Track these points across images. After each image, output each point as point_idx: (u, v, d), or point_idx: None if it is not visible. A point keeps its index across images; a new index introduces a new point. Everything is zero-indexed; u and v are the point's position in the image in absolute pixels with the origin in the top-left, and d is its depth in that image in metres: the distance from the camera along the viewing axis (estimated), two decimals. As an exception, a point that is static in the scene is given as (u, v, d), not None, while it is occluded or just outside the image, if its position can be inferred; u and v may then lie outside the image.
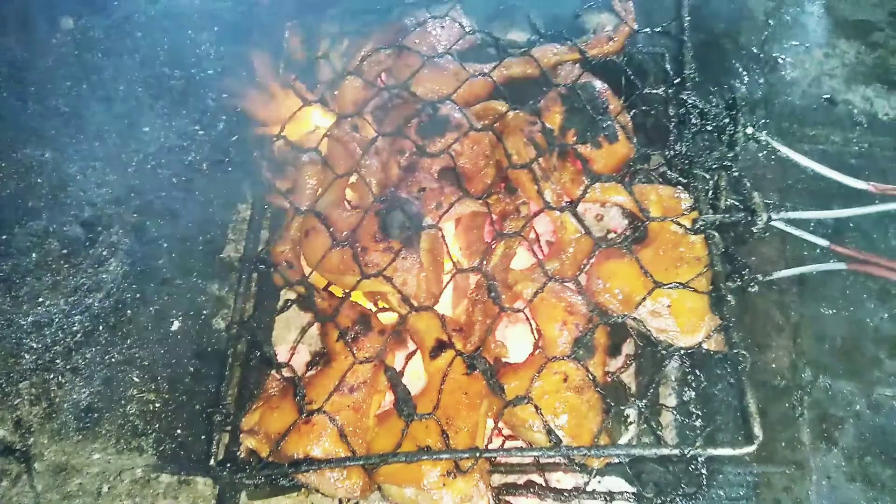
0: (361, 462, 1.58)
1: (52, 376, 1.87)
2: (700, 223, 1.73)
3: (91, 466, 1.81)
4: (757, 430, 1.54)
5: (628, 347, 1.94)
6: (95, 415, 1.84)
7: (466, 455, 1.52)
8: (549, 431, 1.55)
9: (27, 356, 1.89)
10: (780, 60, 2.58)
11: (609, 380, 1.85)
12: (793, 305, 2.18)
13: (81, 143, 2.19)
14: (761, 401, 2.03)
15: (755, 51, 2.59)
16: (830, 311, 2.20)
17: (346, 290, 1.77)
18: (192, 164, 2.17)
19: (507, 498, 1.69)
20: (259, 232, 2.00)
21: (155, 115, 2.24)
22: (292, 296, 1.91)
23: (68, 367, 1.88)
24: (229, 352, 1.80)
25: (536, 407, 1.56)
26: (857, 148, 2.45)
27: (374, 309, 1.87)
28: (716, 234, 1.75)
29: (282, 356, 1.83)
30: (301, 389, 1.65)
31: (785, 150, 1.79)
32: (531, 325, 1.74)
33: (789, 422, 2.05)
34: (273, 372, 1.76)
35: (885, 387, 2.12)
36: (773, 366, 2.11)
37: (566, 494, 1.66)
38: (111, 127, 2.22)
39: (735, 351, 1.62)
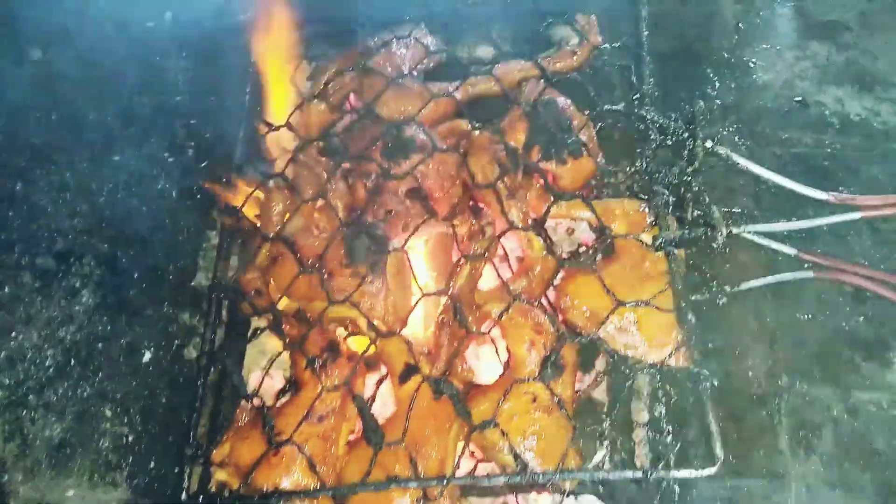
0: (330, 493, 1.59)
1: (24, 412, 1.87)
2: (660, 240, 1.74)
3: (66, 502, 1.81)
4: (718, 451, 1.54)
5: (600, 364, 1.94)
6: (68, 450, 1.84)
7: (434, 483, 1.52)
8: (516, 456, 1.56)
9: (0, 393, 1.89)
10: (752, 64, 2.58)
11: (580, 397, 1.85)
12: (768, 312, 2.18)
13: (52, 173, 2.19)
14: (739, 409, 2.05)
15: (726, 55, 2.59)
16: (806, 317, 2.20)
17: (315, 316, 1.78)
18: (162, 191, 2.17)
19: (480, 523, 1.69)
20: (229, 259, 2.01)
21: (125, 143, 2.24)
22: (262, 323, 1.91)
23: (41, 402, 1.88)
24: (200, 382, 1.81)
25: (503, 431, 1.56)
26: (829, 149, 2.45)
27: (345, 333, 1.87)
28: (675, 251, 1.75)
29: (255, 384, 1.84)
30: (269, 420, 1.66)
31: (744, 163, 1.79)
32: (496, 347, 1.74)
33: (767, 430, 2.04)
34: (243, 402, 1.76)
35: (861, 391, 2.12)
36: (750, 374, 2.10)
37: (538, 516, 1.67)
38: (81, 156, 2.22)
39: (696, 370, 1.62)
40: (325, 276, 1.77)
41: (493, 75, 2.03)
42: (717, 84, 2.50)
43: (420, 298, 1.76)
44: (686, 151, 1.80)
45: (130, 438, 1.87)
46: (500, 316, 1.71)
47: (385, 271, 1.77)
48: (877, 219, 1.92)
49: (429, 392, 1.66)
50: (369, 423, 1.66)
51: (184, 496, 1.66)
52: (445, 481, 1.53)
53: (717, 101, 2.48)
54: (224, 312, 1.93)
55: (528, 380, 1.64)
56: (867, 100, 2.56)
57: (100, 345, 1.95)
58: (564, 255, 1.83)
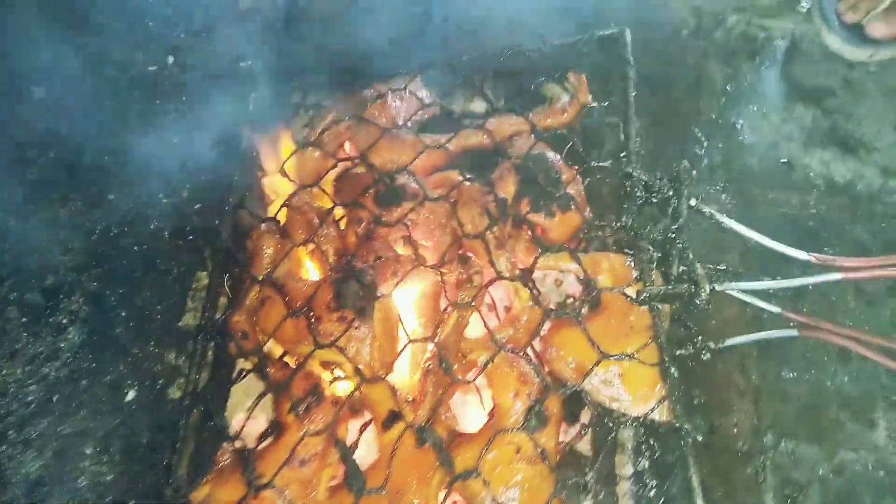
0: None
1: (3, 448, 1.85)
2: (644, 294, 1.75)
3: (40, 543, 1.78)
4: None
5: (585, 416, 1.94)
6: (45, 488, 1.81)
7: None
8: (498, 506, 1.54)
9: (-21, 428, 1.88)
10: (739, 125, 2.65)
11: (564, 449, 1.85)
12: (753, 369, 2.19)
13: (46, 210, 2.21)
14: (724, 466, 2.04)
15: (714, 116, 2.65)
16: (791, 375, 2.21)
17: (300, 360, 1.78)
18: (154, 232, 2.19)
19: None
20: (217, 300, 2.02)
21: (120, 184, 2.27)
22: (248, 365, 1.91)
23: (20, 438, 1.86)
24: (182, 422, 1.80)
25: (485, 481, 1.56)
26: (814, 210, 2.50)
27: (330, 378, 1.87)
28: (660, 306, 1.77)
29: (238, 426, 1.83)
30: (251, 463, 1.64)
31: (727, 222, 1.82)
32: (481, 396, 1.74)
33: (753, 487, 2.04)
34: (225, 444, 1.75)
35: (848, 450, 2.12)
36: (735, 430, 2.10)
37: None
38: (77, 195, 2.24)
39: (678, 424, 1.62)
40: (313, 319, 1.78)
41: (486, 129, 2.08)
42: (705, 143, 2.56)
43: (406, 344, 1.76)
44: (671, 209, 1.83)
45: (109, 478, 1.85)
46: (486, 364, 1.71)
47: (372, 317, 1.78)
48: (858, 280, 1.94)
49: (412, 439, 1.65)
50: (351, 469, 1.65)
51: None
52: (428, 531, 1.51)
53: (705, 160, 2.54)
54: (210, 354, 1.93)
55: (513, 430, 1.63)
56: (851, 163, 2.61)
57: (84, 382, 1.94)
58: (552, 307, 1.84)
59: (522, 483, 1.61)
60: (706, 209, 1.83)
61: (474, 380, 1.72)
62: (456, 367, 1.75)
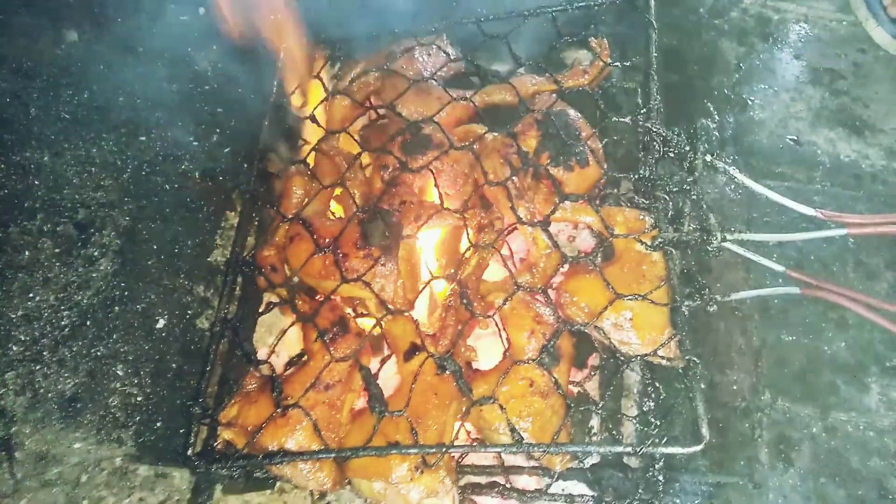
0: (333, 455, 1.65)
1: (38, 367, 1.92)
2: (659, 240, 1.84)
3: (71, 456, 1.86)
4: (704, 431, 1.62)
5: (594, 360, 2.03)
6: (78, 405, 1.89)
7: (434, 450, 1.59)
8: (513, 430, 1.63)
9: (15, 347, 1.95)
10: (750, 102, 2.73)
11: (574, 390, 1.94)
12: (755, 331, 2.29)
13: (79, 148, 2.27)
14: (722, 420, 2.14)
15: (726, 92, 2.74)
16: (790, 338, 2.30)
17: (327, 294, 1.86)
18: (185, 172, 2.26)
19: (473, 497, 1.76)
20: (246, 238, 2.09)
21: (152, 126, 2.33)
22: (275, 299, 1.99)
23: (55, 358, 1.93)
24: (211, 349, 1.88)
25: (501, 407, 1.64)
26: (819, 186, 2.59)
27: (352, 314, 1.95)
28: (674, 251, 1.85)
29: (262, 356, 1.91)
30: (278, 385, 1.73)
31: (740, 177, 1.91)
32: (500, 333, 1.83)
33: (748, 441, 2.14)
34: (252, 369, 1.83)
35: (840, 411, 2.22)
36: (735, 387, 2.20)
37: (528, 495, 1.73)
38: (109, 135, 2.30)
39: (687, 357, 1.71)
40: (341, 256, 1.86)
41: (510, 83, 2.15)
42: (717, 117, 2.62)
43: (430, 281, 1.85)
44: (686, 163, 1.91)
45: (139, 399, 1.93)
46: (504, 302, 1.80)
47: (397, 256, 1.86)
48: (862, 236, 2.01)
49: (432, 369, 1.74)
50: (374, 392, 1.74)
51: (189, 452, 1.72)
52: (444, 449, 1.59)
53: (716, 134, 2.61)
54: (238, 288, 2.01)
55: (527, 362, 1.72)
56: (857, 143, 2.70)
57: (116, 308, 2.02)
58: (571, 257, 1.92)
59: (535, 414, 1.70)
60: (720, 164, 1.90)
61: (493, 314, 1.80)
62: (475, 305, 1.83)
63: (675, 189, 1.86)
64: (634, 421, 1.94)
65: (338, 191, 2.08)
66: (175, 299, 2.06)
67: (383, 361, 1.84)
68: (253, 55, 2.36)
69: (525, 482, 1.87)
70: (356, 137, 2.12)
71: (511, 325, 1.83)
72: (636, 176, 1.92)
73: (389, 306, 1.82)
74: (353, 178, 2.01)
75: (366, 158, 2.09)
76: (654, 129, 1.92)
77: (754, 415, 2.17)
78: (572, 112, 2.11)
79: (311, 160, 2.10)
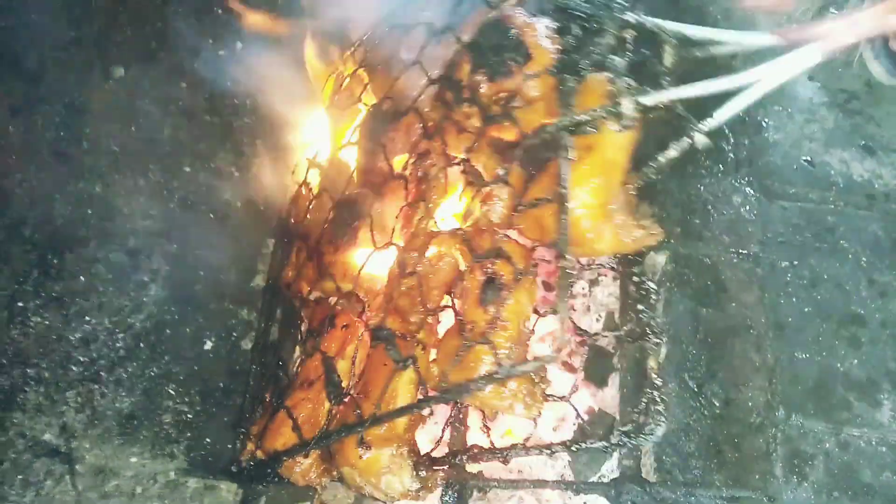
0: (310, 449, 1.73)
1: (96, 386, 2.08)
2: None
3: (127, 469, 2.01)
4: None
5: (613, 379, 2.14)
6: (135, 422, 2.05)
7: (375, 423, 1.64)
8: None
9: (75, 368, 2.10)
10: (764, 123, 2.83)
11: (594, 408, 2.06)
12: (769, 349, 2.38)
13: (128, 178, 2.42)
14: (738, 436, 2.23)
15: (741, 113, 2.81)
16: (804, 356, 2.40)
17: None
18: (228, 201, 2.41)
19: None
20: (281, 262, 2.24)
21: (195, 157, 2.48)
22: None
23: (112, 378, 2.09)
24: (253, 369, 2.03)
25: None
26: (832, 206, 2.68)
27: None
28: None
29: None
30: (278, 392, 1.85)
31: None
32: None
33: (763, 456, 2.23)
34: (271, 385, 1.98)
35: (853, 427, 2.30)
36: (750, 404, 2.30)
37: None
38: (155, 166, 2.45)
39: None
40: (318, 256, 1.98)
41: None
42: (731, 139, 2.73)
43: (370, 255, 1.88)
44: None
45: (190, 416, 2.08)
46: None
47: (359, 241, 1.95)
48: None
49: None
50: (331, 380, 1.80)
51: (234, 468, 1.87)
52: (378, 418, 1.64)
53: (731, 155, 2.72)
54: (278, 310, 2.16)
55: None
56: (870, 163, 2.78)
57: (167, 331, 2.17)
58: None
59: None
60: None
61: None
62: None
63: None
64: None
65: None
66: (221, 322, 2.21)
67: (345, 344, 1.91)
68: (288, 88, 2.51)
69: (550, 495, 1.99)
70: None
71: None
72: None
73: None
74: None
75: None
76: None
77: (769, 430, 2.26)
78: (504, 12, 1.93)
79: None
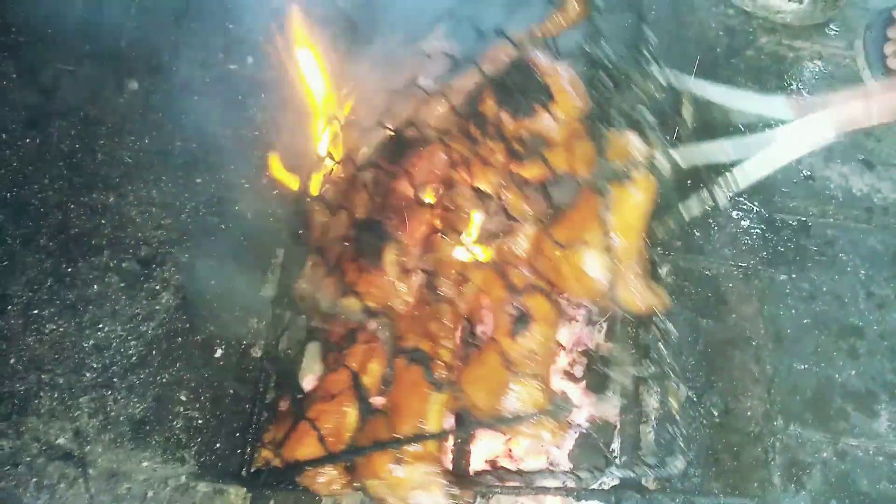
0: (338, 460, 1.80)
1: (109, 393, 2.14)
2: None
3: (139, 473, 2.07)
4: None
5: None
6: (147, 427, 2.10)
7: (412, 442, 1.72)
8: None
9: (88, 374, 2.16)
10: (765, 138, 2.87)
11: (596, 418, 2.10)
12: (768, 360, 2.43)
13: (141, 189, 2.49)
14: (737, 444, 2.28)
15: (742, 128, 2.87)
16: (803, 367, 2.44)
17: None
18: (238, 213, 2.47)
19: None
20: (291, 273, 2.29)
21: (206, 168, 2.54)
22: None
23: (124, 385, 2.15)
24: (262, 377, 2.08)
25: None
26: (832, 220, 2.72)
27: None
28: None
29: (309, 382, 2.10)
30: (296, 402, 1.92)
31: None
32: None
33: (761, 465, 2.27)
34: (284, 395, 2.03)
35: (850, 437, 2.34)
36: (749, 413, 2.34)
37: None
38: (168, 177, 2.51)
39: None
40: (341, 273, 2.03)
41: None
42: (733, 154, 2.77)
43: (399, 278, 1.98)
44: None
45: (200, 422, 2.13)
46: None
47: (384, 261, 2.00)
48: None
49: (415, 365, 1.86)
50: (361, 395, 1.87)
51: (243, 472, 1.92)
52: (428, 437, 1.74)
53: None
54: (287, 319, 2.21)
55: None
56: (869, 177, 2.83)
57: (178, 339, 2.23)
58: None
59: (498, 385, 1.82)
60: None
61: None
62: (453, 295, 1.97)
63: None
64: (652, 443, 2.09)
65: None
66: (231, 331, 2.27)
67: (367, 358, 1.96)
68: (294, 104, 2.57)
69: (552, 501, 2.04)
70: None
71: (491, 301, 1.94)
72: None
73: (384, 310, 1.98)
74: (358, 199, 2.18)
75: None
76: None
77: (767, 440, 2.31)
78: (529, 54, 2.08)
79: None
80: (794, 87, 2.96)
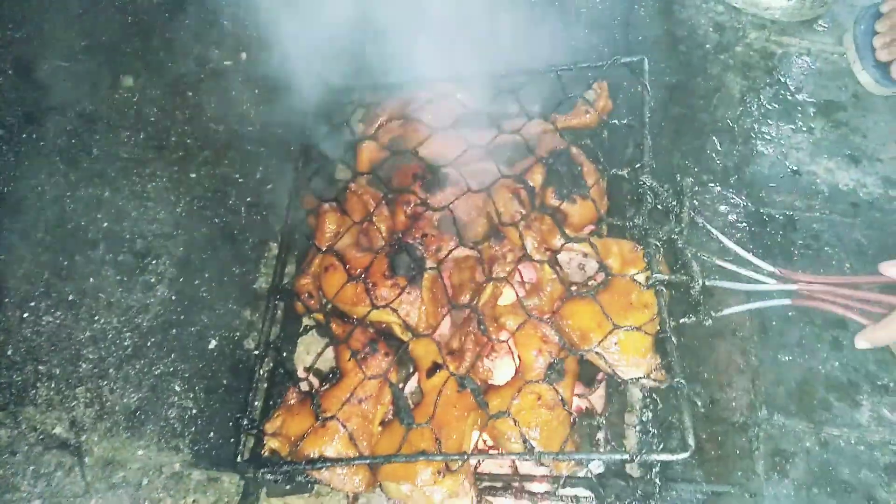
0: (368, 461, 1.89)
1: (105, 383, 2.18)
2: (652, 281, 2.04)
3: (134, 462, 2.11)
4: (690, 441, 1.81)
5: (600, 377, 2.23)
6: (141, 416, 2.15)
7: (455, 457, 1.82)
8: (524, 439, 1.85)
9: (84, 365, 2.21)
10: (752, 134, 2.90)
11: (582, 405, 2.14)
12: (753, 351, 2.46)
13: (136, 184, 2.52)
14: (721, 434, 2.31)
15: (730, 124, 2.91)
16: (787, 358, 2.47)
17: (358, 318, 2.10)
18: (231, 206, 2.51)
19: (489, 498, 1.98)
20: (285, 267, 2.34)
21: (201, 163, 2.58)
22: (312, 322, 2.23)
23: (119, 375, 2.19)
24: (257, 368, 2.13)
25: (515, 420, 1.86)
26: (818, 214, 2.75)
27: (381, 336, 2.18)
28: (664, 289, 2.05)
29: (301, 374, 2.15)
30: (317, 399, 1.97)
31: (715, 233, 2.10)
32: (513, 353, 2.04)
33: (745, 454, 2.30)
34: (291, 385, 2.08)
35: (833, 427, 2.37)
36: (733, 404, 2.37)
37: (538, 496, 1.96)
38: (163, 172, 2.55)
39: (676, 380, 1.90)
40: (370, 285, 2.09)
41: (520, 135, 2.36)
42: (720, 148, 2.81)
43: (450, 309, 2.07)
44: (674, 215, 2.12)
45: (194, 412, 2.18)
46: (518, 328, 2.02)
47: (421, 285, 2.09)
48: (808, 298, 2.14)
49: (453, 386, 1.96)
50: (403, 406, 1.97)
51: (238, 459, 1.97)
52: (466, 456, 1.82)
53: (719, 163, 2.80)
54: (280, 312, 2.25)
55: (536, 381, 1.93)
56: (855, 172, 2.85)
57: (173, 331, 2.27)
58: (573, 285, 2.13)
59: (542, 424, 1.91)
60: (700, 220, 2.11)
61: (507, 339, 2.02)
62: (490, 329, 2.05)
63: (663, 237, 2.06)
64: (636, 431, 2.14)
65: (366, 225, 2.30)
66: (225, 322, 2.31)
67: (408, 377, 2.07)
68: (287, 100, 2.61)
69: (537, 488, 2.08)
70: (382, 178, 2.34)
71: (521, 344, 2.04)
72: (631, 223, 2.11)
73: (414, 330, 2.05)
74: (380, 214, 2.24)
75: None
76: (646, 184, 2.11)
77: (751, 429, 2.34)
78: (574, 149, 2.32)
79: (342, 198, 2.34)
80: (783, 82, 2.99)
